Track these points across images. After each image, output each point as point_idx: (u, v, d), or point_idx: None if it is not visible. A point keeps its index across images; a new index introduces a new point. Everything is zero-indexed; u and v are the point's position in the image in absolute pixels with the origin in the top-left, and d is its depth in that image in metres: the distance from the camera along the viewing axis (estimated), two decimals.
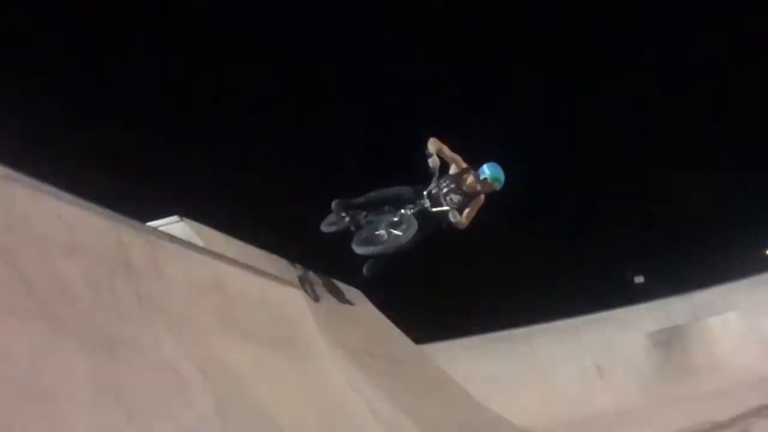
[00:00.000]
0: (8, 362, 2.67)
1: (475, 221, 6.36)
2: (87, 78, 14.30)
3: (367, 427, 5.26)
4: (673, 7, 16.84)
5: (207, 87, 16.58)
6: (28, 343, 2.81)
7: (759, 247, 16.96)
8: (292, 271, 6.92)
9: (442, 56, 18.30)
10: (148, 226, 5.17)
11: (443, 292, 17.72)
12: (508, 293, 16.66)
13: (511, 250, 18.02)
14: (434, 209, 6.14)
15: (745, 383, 10.02)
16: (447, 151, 6.24)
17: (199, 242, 5.42)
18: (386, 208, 6.23)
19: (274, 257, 6.87)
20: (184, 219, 5.77)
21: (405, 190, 6.26)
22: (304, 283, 6.69)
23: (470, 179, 6.25)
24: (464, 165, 6.33)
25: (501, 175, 6.27)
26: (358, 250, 6.22)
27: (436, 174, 6.14)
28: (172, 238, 4.72)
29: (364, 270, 6.48)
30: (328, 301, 7.12)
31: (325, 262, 7.62)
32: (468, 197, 6.26)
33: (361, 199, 6.33)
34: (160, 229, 5.33)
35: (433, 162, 6.06)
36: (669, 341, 12.78)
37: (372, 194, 6.31)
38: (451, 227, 6.19)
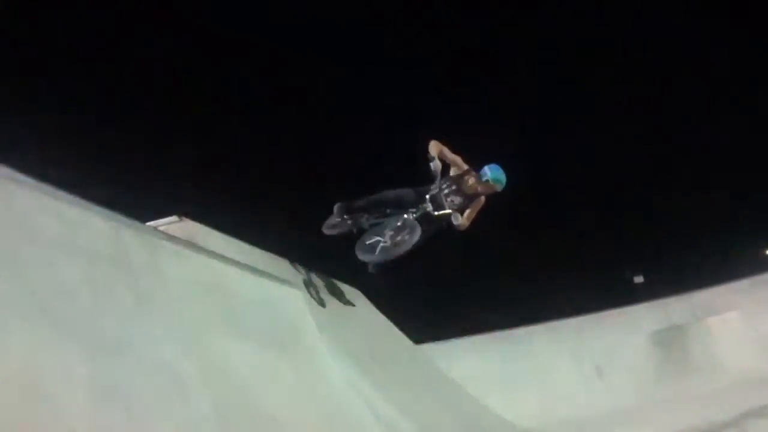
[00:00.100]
0: (8, 362, 2.68)
1: (475, 222, 6.36)
2: (87, 78, 14.32)
3: (367, 427, 5.27)
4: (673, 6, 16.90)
5: (207, 87, 16.61)
6: (28, 343, 2.82)
7: (759, 247, 16.98)
8: (293, 272, 6.92)
9: (441, 56, 18.34)
10: (148, 226, 5.18)
11: (443, 292, 17.72)
12: (508, 293, 16.67)
13: (511, 250, 18.03)
14: (437, 212, 6.14)
15: (745, 383, 10.01)
16: (448, 154, 6.24)
17: (199, 242, 5.42)
18: (388, 210, 6.22)
19: (275, 258, 6.88)
20: (184, 219, 5.77)
21: (407, 192, 6.25)
22: (309, 288, 6.70)
23: (471, 181, 6.26)
24: (465, 167, 6.34)
25: (502, 177, 6.27)
26: (362, 257, 6.21)
27: (438, 177, 6.15)
28: (172, 238, 4.73)
29: (369, 267, 6.48)
30: (331, 303, 7.13)
31: (325, 262, 7.62)
32: (468, 199, 6.27)
33: (362, 202, 6.31)
34: (160, 229, 5.34)
35: (435, 166, 6.06)
36: (669, 341, 12.75)
37: (374, 197, 6.29)
38: (452, 228, 6.20)
